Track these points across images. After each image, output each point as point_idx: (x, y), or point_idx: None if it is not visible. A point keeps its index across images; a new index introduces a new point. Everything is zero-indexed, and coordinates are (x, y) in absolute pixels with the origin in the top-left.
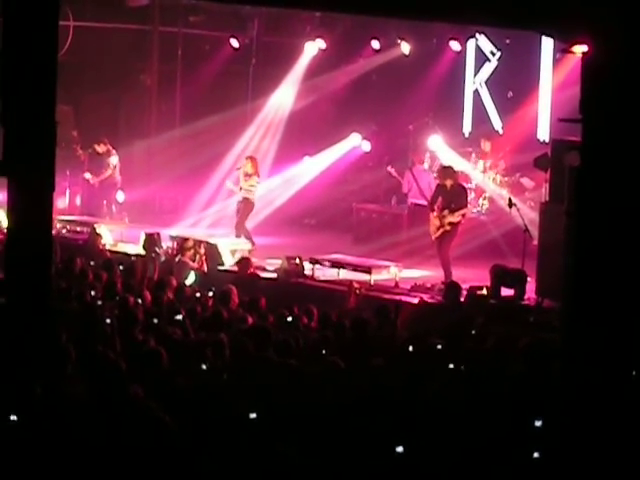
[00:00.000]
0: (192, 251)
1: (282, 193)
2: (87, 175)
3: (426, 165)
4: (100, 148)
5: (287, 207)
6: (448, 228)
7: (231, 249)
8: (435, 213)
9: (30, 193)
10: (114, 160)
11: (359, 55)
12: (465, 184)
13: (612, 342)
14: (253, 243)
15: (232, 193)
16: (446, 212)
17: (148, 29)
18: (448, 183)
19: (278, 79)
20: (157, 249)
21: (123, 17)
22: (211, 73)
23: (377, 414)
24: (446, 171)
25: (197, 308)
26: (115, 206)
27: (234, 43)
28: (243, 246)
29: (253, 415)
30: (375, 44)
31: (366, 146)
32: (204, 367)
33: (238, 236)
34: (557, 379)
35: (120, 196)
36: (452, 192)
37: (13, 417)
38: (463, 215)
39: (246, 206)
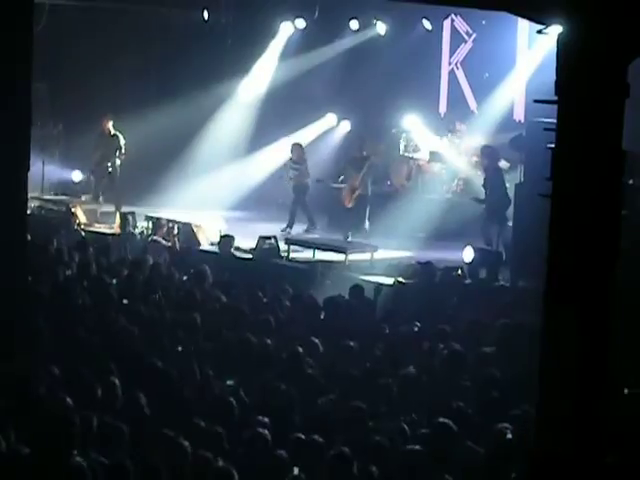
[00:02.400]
0: (165, 230)
1: (258, 173)
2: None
3: (402, 146)
4: (105, 127)
5: (263, 187)
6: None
7: (210, 229)
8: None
9: (5, 173)
10: (122, 142)
11: (337, 35)
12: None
13: (590, 323)
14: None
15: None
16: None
17: (123, 7)
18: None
19: (254, 59)
20: (132, 229)
21: None
22: (186, 51)
23: (354, 396)
24: (487, 150)
25: (171, 288)
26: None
27: (205, 15)
28: (220, 226)
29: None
30: (354, 24)
31: (345, 126)
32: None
33: (310, 219)
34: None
35: (76, 176)
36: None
37: None
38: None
39: (303, 190)
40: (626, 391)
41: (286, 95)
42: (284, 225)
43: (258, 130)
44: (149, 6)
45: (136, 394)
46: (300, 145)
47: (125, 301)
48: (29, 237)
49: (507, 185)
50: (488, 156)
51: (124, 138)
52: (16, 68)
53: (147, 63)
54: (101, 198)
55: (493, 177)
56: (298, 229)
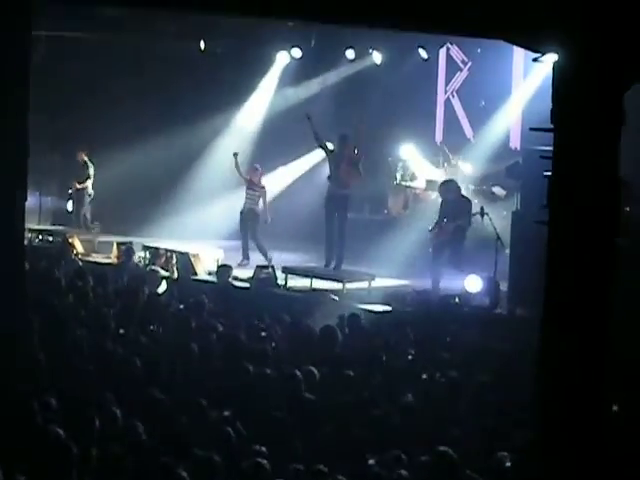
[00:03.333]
0: (164, 260)
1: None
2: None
3: (398, 175)
4: (80, 156)
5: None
6: (451, 236)
7: (207, 259)
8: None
9: (3, 204)
10: (92, 171)
11: (333, 64)
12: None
13: (587, 348)
14: (248, 258)
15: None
16: (445, 223)
17: (121, 38)
18: (450, 195)
19: (250, 88)
20: (130, 258)
21: (97, 26)
22: (183, 81)
23: (352, 425)
24: (448, 185)
25: (169, 317)
26: (87, 216)
27: (201, 45)
28: (218, 256)
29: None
30: (350, 53)
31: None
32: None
33: (259, 247)
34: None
35: (70, 205)
36: (453, 204)
37: None
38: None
39: (253, 217)
40: (615, 408)
41: (283, 124)
42: (282, 253)
43: (255, 159)
44: (146, 36)
45: (134, 423)
46: (257, 168)
47: (121, 331)
48: (27, 267)
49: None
50: (454, 190)
51: (94, 169)
52: (14, 99)
53: (145, 93)
54: (99, 228)
55: (457, 208)
56: (295, 258)
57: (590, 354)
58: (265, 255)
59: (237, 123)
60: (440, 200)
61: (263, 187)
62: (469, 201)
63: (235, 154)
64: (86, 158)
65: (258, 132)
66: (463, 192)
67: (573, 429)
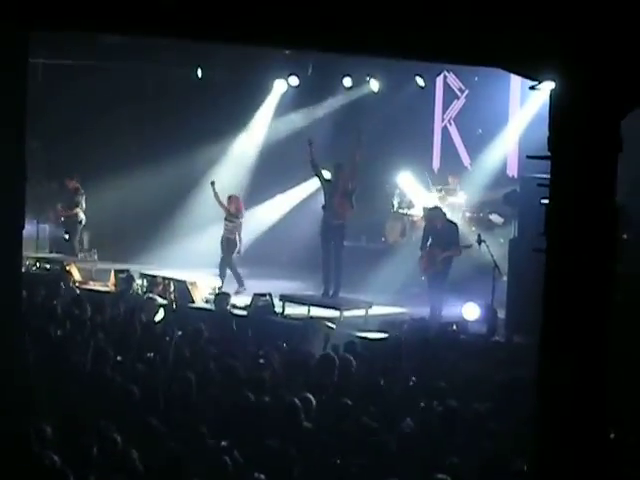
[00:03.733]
0: (161, 288)
1: (253, 231)
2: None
3: (395, 203)
4: (69, 184)
5: (257, 244)
6: (440, 267)
7: (204, 287)
8: (425, 253)
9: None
10: (81, 199)
11: (330, 92)
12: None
13: (586, 375)
14: (242, 284)
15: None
16: (438, 251)
17: (117, 65)
18: (438, 223)
19: (248, 116)
20: (127, 287)
21: (94, 54)
22: (180, 109)
23: (351, 452)
24: (434, 212)
25: (166, 345)
26: (80, 244)
27: (199, 73)
28: (216, 284)
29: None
30: (347, 81)
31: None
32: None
33: (234, 275)
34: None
35: (65, 233)
36: (442, 231)
37: None
38: (457, 252)
39: (230, 246)
40: (612, 436)
41: (280, 152)
42: (280, 281)
43: (253, 187)
44: (143, 64)
45: (130, 452)
46: (232, 198)
47: (119, 358)
48: (24, 295)
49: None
50: (440, 217)
51: (85, 196)
52: (11, 126)
53: (142, 121)
54: (96, 256)
55: (445, 235)
56: (293, 285)
57: (589, 381)
58: (240, 282)
59: (234, 151)
60: (425, 225)
61: (239, 217)
62: (456, 226)
63: (212, 183)
64: (77, 185)
65: (255, 160)
66: (458, 220)
67: (572, 456)
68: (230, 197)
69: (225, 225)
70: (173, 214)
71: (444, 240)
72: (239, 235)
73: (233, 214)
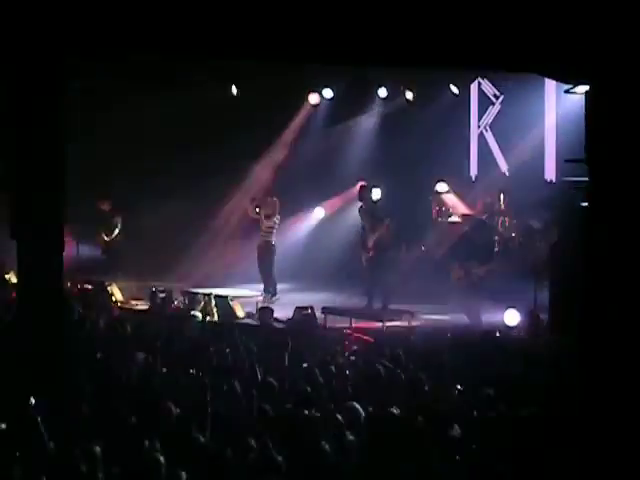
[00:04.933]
0: (202, 304)
1: (293, 243)
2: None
3: (435, 212)
4: (103, 206)
5: (299, 257)
6: (475, 280)
7: (241, 301)
8: (460, 264)
9: (40, 255)
10: (119, 220)
11: (365, 103)
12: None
13: (630, 378)
14: (275, 293)
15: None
16: (474, 263)
17: (152, 86)
18: (479, 237)
19: (282, 129)
20: (168, 305)
21: (127, 75)
22: (215, 125)
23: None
24: (481, 225)
25: (209, 362)
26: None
27: (234, 90)
28: (256, 298)
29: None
30: (382, 92)
31: (376, 193)
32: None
33: (265, 283)
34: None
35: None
36: (481, 245)
37: None
38: (490, 269)
39: (268, 250)
40: None
41: (317, 163)
42: (322, 293)
43: (290, 199)
44: (177, 84)
45: (177, 472)
46: (275, 200)
47: (164, 369)
48: (65, 317)
49: None
50: (487, 231)
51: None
52: (50, 149)
53: (180, 139)
54: (136, 276)
55: (485, 245)
56: (334, 298)
57: (633, 382)
58: (272, 291)
59: (271, 164)
60: (462, 234)
61: (273, 219)
62: (494, 238)
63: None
64: (111, 207)
65: (292, 171)
66: (498, 226)
67: (620, 459)
68: (266, 199)
69: (261, 229)
70: (213, 229)
71: (481, 251)
72: (274, 238)
73: (268, 216)
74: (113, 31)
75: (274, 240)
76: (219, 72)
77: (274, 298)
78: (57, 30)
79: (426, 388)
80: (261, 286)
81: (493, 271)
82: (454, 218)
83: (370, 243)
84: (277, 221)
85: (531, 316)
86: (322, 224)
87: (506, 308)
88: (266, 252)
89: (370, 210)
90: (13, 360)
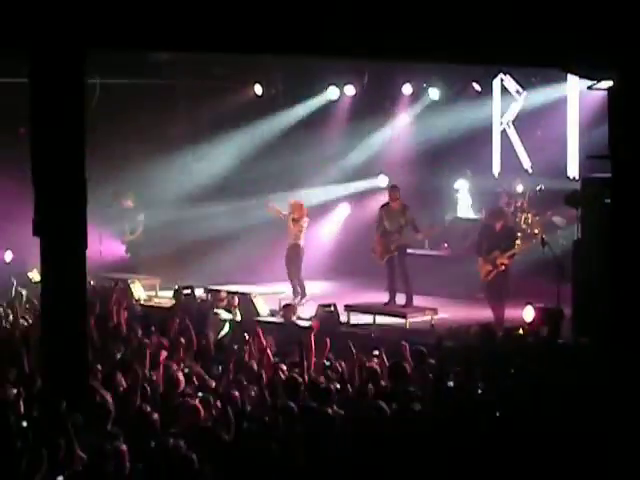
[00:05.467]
0: (226, 303)
1: (317, 241)
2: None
3: (458, 209)
4: (125, 204)
5: (322, 254)
6: (502, 269)
7: (265, 299)
8: (484, 256)
9: (63, 252)
10: (142, 217)
11: (388, 101)
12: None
13: None
14: (305, 295)
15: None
16: (497, 253)
17: (173, 83)
18: (497, 225)
19: (307, 128)
20: (192, 302)
21: (148, 73)
22: (237, 125)
23: (419, 461)
24: (496, 213)
25: (233, 359)
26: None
27: (257, 90)
28: (280, 296)
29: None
30: (407, 89)
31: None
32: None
33: (293, 286)
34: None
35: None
36: (501, 234)
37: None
38: (514, 255)
39: (297, 252)
40: None
41: (339, 158)
42: (345, 290)
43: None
44: (201, 82)
45: (204, 467)
46: (301, 203)
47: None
48: (88, 314)
49: None
50: (503, 219)
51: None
52: (70, 148)
53: (198, 136)
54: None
55: (504, 237)
56: (356, 294)
57: None
58: (301, 293)
59: (294, 163)
60: (482, 228)
61: (301, 222)
62: (514, 231)
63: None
64: (132, 204)
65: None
66: (521, 222)
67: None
68: (292, 203)
69: (289, 232)
70: (231, 227)
71: (500, 243)
72: (303, 241)
73: (296, 220)
74: (131, 26)
75: (302, 242)
76: (243, 71)
77: (304, 300)
78: (77, 25)
79: (450, 384)
80: (286, 284)
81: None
82: (477, 215)
83: (393, 246)
84: (305, 224)
85: (553, 314)
86: (345, 221)
87: (525, 304)
88: (295, 254)
89: (398, 212)
90: (37, 357)
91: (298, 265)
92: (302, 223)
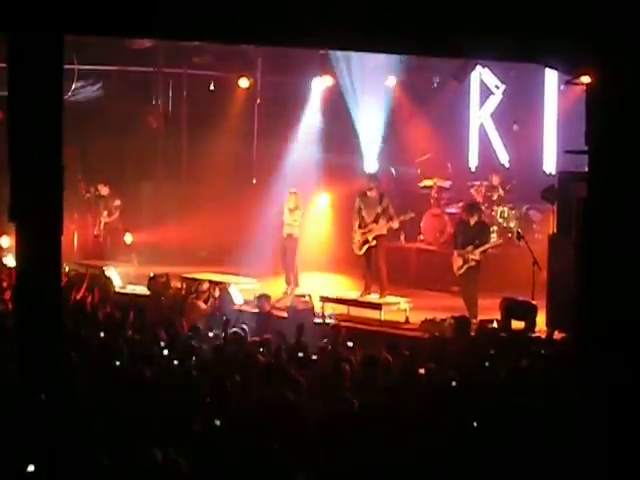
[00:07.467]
0: (207, 294)
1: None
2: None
3: (433, 201)
4: (103, 190)
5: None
6: (473, 264)
7: (241, 289)
8: (458, 250)
9: (39, 238)
10: (118, 204)
11: (369, 92)
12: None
13: (627, 369)
14: (297, 285)
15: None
16: (470, 248)
17: (153, 71)
18: (472, 220)
19: (285, 118)
20: (167, 290)
21: (127, 59)
22: (217, 113)
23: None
24: (472, 208)
25: (209, 348)
26: (121, 249)
27: (243, 83)
28: (252, 286)
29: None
30: (390, 80)
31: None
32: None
33: (287, 277)
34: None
35: (128, 238)
36: (475, 228)
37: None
38: (486, 250)
39: (291, 243)
40: None
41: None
42: (322, 282)
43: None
44: (179, 69)
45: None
46: (296, 193)
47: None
48: (63, 301)
49: None
50: (478, 214)
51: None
52: (47, 134)
53: (177, 125)
54: (136, 261)
55: (478, 232)
56: (332, 285)
57: (632, 375)
58: (294, 283)
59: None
60: (458, 222)
61: (296, 213)
62: (488, 225)
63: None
64: (107, 190)
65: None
66: (497, 216)
67: (619, 447)
68: (289, 192)
69: (285, 221)
70: (211, 216)
71: (474, 238)
72: (297, 231)
73: (291, 209)
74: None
75: (297, 233)
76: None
77: (297, 289)
78: (56, 10)
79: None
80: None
81: (486, 252)
82: (452, 208)
83: (371, 236)
84: (300, 215)
85: (527, 308)
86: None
87: (501, 299)
88: (289, 245)
89: (375, 201)
90: (13, 345)
91: (292, 255)
92: (297, 213)
